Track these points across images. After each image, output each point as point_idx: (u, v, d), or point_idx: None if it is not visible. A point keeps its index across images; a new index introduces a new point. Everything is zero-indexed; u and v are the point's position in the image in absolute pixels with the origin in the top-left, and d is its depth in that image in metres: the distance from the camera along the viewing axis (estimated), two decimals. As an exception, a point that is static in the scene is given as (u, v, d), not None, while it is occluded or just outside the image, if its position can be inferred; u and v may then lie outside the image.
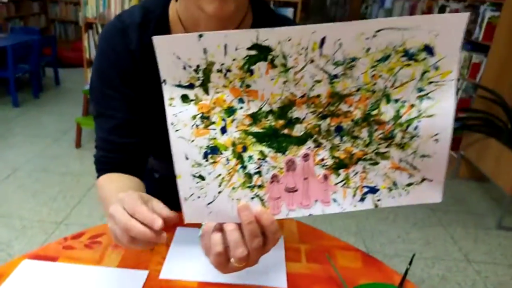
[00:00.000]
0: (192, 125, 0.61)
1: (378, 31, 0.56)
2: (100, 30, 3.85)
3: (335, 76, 0.59)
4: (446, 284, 2.42)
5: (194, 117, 0.61)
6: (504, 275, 2.54)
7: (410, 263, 1.10)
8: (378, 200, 0.67)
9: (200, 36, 0.57)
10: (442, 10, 4.33)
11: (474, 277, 2.49)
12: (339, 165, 0.64)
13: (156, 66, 0.60)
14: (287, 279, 1.04)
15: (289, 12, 3.64)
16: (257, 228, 0.64)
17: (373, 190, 0.66)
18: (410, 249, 2.68)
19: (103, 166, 1.05)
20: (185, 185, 0.64)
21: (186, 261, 1.07)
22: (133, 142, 1.02)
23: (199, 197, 0.65)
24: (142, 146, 1.05)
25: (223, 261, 0.68)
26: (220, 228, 0.67)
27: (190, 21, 0.94)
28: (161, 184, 1.19)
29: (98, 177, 1.05)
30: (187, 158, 0.63)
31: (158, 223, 0.62)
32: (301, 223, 1.30)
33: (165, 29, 0.97)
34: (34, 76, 4.97)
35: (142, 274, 1.02)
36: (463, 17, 0.56)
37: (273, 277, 1.04)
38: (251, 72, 0.59)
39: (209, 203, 0.65)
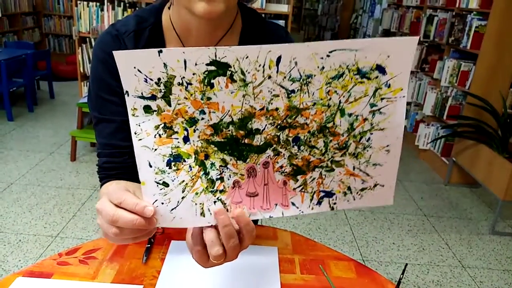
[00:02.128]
0: (155, 135, 0.64)
1: (331, 51, 0.60)
2: (93, 43, 3.87)
3: (292, 91, 0.62)
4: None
5: (156, 127, 0.64)
6: (498, 280, 2.57)
7: (403, 273, 1.12)
8: (334, 203, 0.71)
9: (160, 52, 0.59)
10: (430, 19, 4.40)
11: (469, 283, 2.52)
12: (297, 171, 0.68)
13: None
14: (281, 289, 1.06)
15: (280, 23, 3.68)
16: (232, 230, 0.68)
17: (329, 194, 0.70)
18: (405, 256, 2.70)
19: (106, 172, 1.06)
20: (148, 192, 0.67)
21: (180, 274, 1.09)
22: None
23: (162, 203, 0.67)
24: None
25: (203, 258, 0.71)
26: (199, 227, 0.70)
27: (183, 26, 0.97)
28: None
29: (101, 186, 1.05)
30: (150, 166, 0.65)
31: (150, 210, 0.64)
32: (295, 234, 1.32)
33: (159, 36, 1.00)
34: (29, 90, 4.98)
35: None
36: (413, 41, 0.60)
37: None
38: (211, 86, 0.62)
39: (172, 209, 0.68)
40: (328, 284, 1.08)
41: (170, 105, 0.63)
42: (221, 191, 0.68)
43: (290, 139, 0.66)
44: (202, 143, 0.65)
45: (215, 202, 0.69)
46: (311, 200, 0.70)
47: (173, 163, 0.66)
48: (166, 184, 0.66)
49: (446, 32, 4.11)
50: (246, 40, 1.06)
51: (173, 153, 0.65)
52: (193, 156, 0.66)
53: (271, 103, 0.63)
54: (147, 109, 0.63)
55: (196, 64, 0.60)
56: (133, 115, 0.63)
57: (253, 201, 0.70)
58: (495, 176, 3.15)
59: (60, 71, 6.52)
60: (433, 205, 3.48)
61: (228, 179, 0.68)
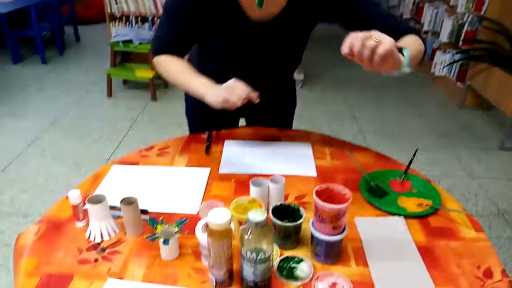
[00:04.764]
0: None
1: None
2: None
3: None
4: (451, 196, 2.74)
5: None
6: (503, 186, 2.86)
7: (414, 155, 1.41)
8: None
9: None
10: None
11: (476, 190, 2.82)
12: None
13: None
14: (316, 170, 1.36)
15: None
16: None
17: None
18: (417, 169, 2.98)
19: (160, 45, 1.40)
20: None
21: (237, 160, 1.40)
22: (184, 41, 1.39)
23: None
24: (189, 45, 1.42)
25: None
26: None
27: None
28: None
29: (154, 56, 1.40)
30: None
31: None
32: (324, 135, 1.61)
33: None
34: (58, 34, 5.22)
35: (206, 170, 1.35)
36: None
37: (306, 169, 1.37)
38: None
39: None
40: (353, 166, 1.38)
41: None
42: None
43: None
44: None
45: None
46: None
47: None
48: None
49: (463, -43, 4.14)
50: None
51: None
52: None
53: None
54: None
55: None
56: None
57: None
58: (507, 96, 3.35)
59: (82, 15, 6.69)
60: (446, 126, 3.73)
61: None
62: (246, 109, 1.38)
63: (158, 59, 1.39)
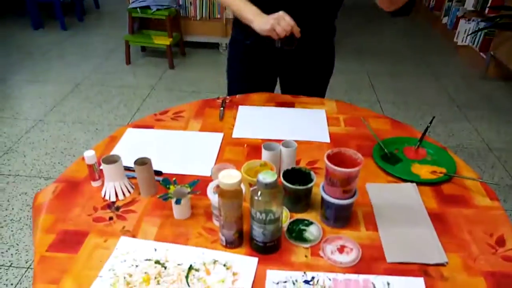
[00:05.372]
0: None
1: None
2: None
3: None
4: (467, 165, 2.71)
5: None
6: (522, 160, 2.80)
7: (431, 122, 1.39)
8: None
9: None
10: None
11: (493, 161, 2.77)
12: None
13: None
14: (329, 137, 1.36)
15: None
16: None
17: None
18: (435, 140, 2.94)
19: None
20: None
21: (250, 125, 1.40)
22: None
23: None
24: None
25: None
26: None
27: None
28: (251, 49, 1.59)
29: None
30: None
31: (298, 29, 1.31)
32: (339, 101, 1.59)
33: None
34: (77, 0, 5.22)
35: (219, 135, 1.35)
36: None
37: (319, 135, 1.36)
38: None
39: None
40: (368, 133, 1.37)
41: None
42: None
43: None
44: None
45: None
46: None
47: None
48: None
49: None
50: None
51: None
52: None
53: None
54: None
55: None
56: None
57: None
58: (531, 67, 3.24)
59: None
60: (467, 97, 3.64)
61: None
62: (285, 64, 1.57)
63: None
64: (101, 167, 1.08)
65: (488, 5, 3.94)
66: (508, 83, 3.90)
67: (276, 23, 1.32)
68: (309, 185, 1.00)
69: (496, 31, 3.79)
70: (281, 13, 1.34)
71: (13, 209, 2.20)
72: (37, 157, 2.62)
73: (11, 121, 3.02)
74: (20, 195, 2.30)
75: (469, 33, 4.27)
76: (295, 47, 1.37)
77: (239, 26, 1.53)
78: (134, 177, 1.09)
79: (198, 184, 1.05)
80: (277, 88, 1.77)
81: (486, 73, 3.99)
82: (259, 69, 1.66)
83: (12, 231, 2.07)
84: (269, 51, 1.55)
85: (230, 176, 0.85)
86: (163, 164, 1.19)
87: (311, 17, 1.51)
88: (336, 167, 0.90)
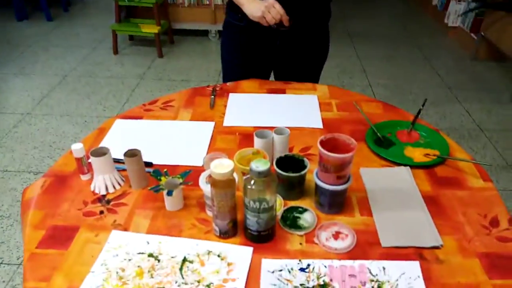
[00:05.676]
0: None
1: None
2: None
3: None
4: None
5: None
6: (513, 139, 2.82)
7: (423, 105, 1.38)
8: None
9: None
10: None
11: (485, 142, 2.78)
12: None
13: None
14: (322, 122, 1.35)
15: None
16: None
17: None
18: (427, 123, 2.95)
19: None
20: None
21: (241, 113, 1.38)
22: None
23: None
24: None
25: None
26: None
27: None
28: (246, 32, 1.57)
29: None
30: None
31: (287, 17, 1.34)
32: (331, 86, 1.58)
33: None
34: (61, -10, 5.11)
35: (210, 124, 1.33)
36: None
37: (311, 121, 1.35)
38: None
39: None
40: (360, 117, 1.36)
41: None
42: None
43: None
44: None
45: None
46: None
47: None
48: None
49: None
50: None
51: None
52: None
53: None
54: None
55: None
56: None
57: None
58: (521, 47, 3.24)
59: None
60: (458, 79, 3.64)
61: None
62: (280, 48, 1.59)
63: None
64: (89, 160, 1.05)
65: (478, -15, 3.91)
66: (498, 64, 3.90)
67: (267, 11, 1.35)
68: (303, 172, 0.99)
69: (487, 12, 3.77)
70: (271, 1, 1.35)
71: (2, 205, 2.17)
72: (25, 151, 2.58)
73: (-2, 115, 2.98)
74: (9, 190, 2.27)
75: (460, 14, 4.25)
76: (291, 27, 1.39)
77: (234, 9, 1.51)
78: (124, 169, 1.07)
79: (190, 174, 1.03)
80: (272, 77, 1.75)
81: (477, 54, 3.98)
82: (254, 54, 1.63)
83: (2, 227, 2.04)
84: (265, 33, 1.51)
85: (222, 166, 0.84)
86: (153, 155, 1.17)
87: (306, 2, 1.49)
88: (329, 153, 0.89)
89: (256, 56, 1.64)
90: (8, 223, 2.06)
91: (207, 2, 4.16)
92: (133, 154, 1.01)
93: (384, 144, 1.23)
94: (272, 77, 1.75)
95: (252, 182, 0.83)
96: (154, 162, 1.14)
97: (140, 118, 1.38)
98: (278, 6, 1.35)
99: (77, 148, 1.03)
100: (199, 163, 1.14)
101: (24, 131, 2.79)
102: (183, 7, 4.21)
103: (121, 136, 1.28)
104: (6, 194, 2.25)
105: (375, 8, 5.46)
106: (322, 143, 0.92)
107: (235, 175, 0.87)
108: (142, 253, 0.88)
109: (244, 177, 0.86)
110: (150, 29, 3.86)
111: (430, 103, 3.23)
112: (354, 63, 3.92)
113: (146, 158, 1.11)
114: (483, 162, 1.16)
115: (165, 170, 1.03)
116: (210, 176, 0.88)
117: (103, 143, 1.24)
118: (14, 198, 2.22)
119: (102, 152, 1.02)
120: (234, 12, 1.52)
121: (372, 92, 3.38)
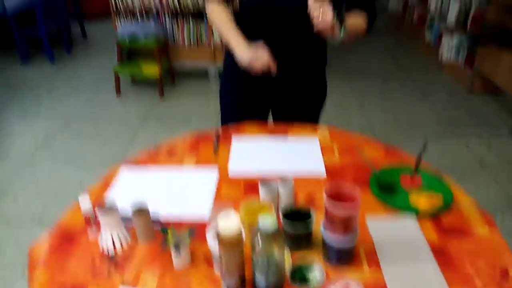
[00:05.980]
0: None
1: None
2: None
3: None
4: (462, 188, 2.73)
5: None
6: (514, 173, 2.82)
7: (424, 148, 1.40)
8: None
9: None
10: None
11: (487, 178, 2.79)
12: None
13: None
14: (325, 169, 1.36)
15: None
16: None
17: None
18: (427, 159, 2.95)
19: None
20: None
21: (245, 160, 1.41)
22: None
23: None
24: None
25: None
26: None
27: None
28: (245, 75, 1.54)
29: (206, 3, 1.59)
30: None
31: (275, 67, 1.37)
32: (332, 127, 1.60)
33: None
34: (65, 31, 5.22)
35: (215, 169, 1.36)
36: None
37: (314, 167, 1.37)
38: None
39: None
40: (362, 162, 1.37)
41: None
42: None
43: None
44: None
45: None
46: None
47: None
48: None
49: None
50: None
51: None
52: None
53: None
54: None
55: None
56: None
57: None
58: (517, 81, 3.30)
59: (86, 10, 6.65)
60: (455, 114, 3.68)
61: None
62: (277, 91, 1.63)
63: (209, 7, 1.57)
64: (97, 218, 1.06)
65: (469, 19, 4.02)
66: (494, 98, 3.95)
67: (254, 59, 1.39)
68: (309, 229, 0.99)
69: (479, 47, 3.86)
70: (260, 51, 1.39)
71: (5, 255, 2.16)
72: (29, 199, 2.58)
73: (1, 160, 2.99)
74: (13, 240, 2.26)
75: (453, 48, 4.35)
76: (283, 73, 1.44)
77: (231, 52, 1.54)
78: (129, 220, 1.07)
79: (196, 230, 1.03)
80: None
81: (472, 88, 4.05)
82: (252, 97, 1.67)
83: (5, 278, 2.02)
84: (262, 76, 1.53)
85: (229, 224, 0.84)
86: (159, 204, 1.17)
87: (302, 48, 1.52)
88: (335, 209, 0.89)
89: (254, 100, 1.68)
90: (11, 273, 2.05)
91: (206, 41, 4.24)
92: (140, 209, 1.02)
93: (388, 190, 1.23)
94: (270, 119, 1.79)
95: (260, 240, 0.84)
96: (159, 212, 1.14)
97: (145, 164, 1.39)
98: (265, 57, 1.38)
99: (86, 207, 1.04)
100: (205, 214, 1.14)
101: (27, 176, 2.80)
102: (183, 47, 4.29)
103: (126, 186, 1.29)
104: (9, 244, 2.23)
105: (370, 43, 5.54)
106: (328, 195, 0.92)
107: (241, 228, 0.87)
108: (151, 313, 0.87)
109: (252, 236, 0.86)
110: (151, 70, 3.93)
111: (430, 140, 3.25)
112: (351, 98, 3.98)
113: (151, 207, 1.12)
114: (484, 205, 1.16)
115: (171, 226, 1.04)
116: (217, 233, 0.88)
117: (109, 194, 1.25)
118: (16, 250, 2.20)
119: (109, 209, 1.03)
120: (231, 55, 1.56)
121: (371, 129, 3.41)
